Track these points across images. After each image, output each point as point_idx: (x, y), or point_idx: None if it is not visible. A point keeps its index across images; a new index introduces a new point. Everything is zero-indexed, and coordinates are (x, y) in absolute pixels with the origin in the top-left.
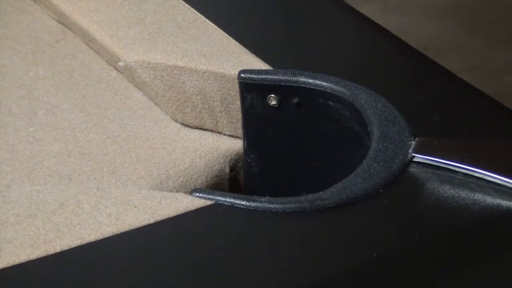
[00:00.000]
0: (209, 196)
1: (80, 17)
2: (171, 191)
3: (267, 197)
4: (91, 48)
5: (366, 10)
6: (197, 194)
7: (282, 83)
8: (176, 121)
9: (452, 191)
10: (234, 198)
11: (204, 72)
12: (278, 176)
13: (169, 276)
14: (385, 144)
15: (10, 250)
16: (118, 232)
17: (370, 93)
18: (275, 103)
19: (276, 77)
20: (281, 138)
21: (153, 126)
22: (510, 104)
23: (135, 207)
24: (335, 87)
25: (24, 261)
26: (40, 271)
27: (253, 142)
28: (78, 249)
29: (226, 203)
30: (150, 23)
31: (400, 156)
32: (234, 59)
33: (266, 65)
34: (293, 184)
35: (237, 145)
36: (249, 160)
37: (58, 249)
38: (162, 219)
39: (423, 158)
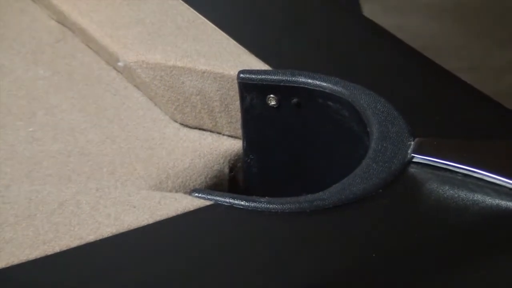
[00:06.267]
0: (209, 196)
1: (79, 17)
2: (170, 191)
3: (266, 197)
4: (91, 48)
5: (366, 10)
6: (197, 194)
7: (282, 83)
8: (176, 121)
9: (451, 191)
10: (233, 198)
11: (204, 72)
12: (278, 176)
13: (168, 277)
14: (384, 145)
15: (9, 250)
16: (117, 232)
17: (370, 93)
18: (275, 103)
19: (275, 77)
20: (280, 138)
21: (152, 126)
22: (510, 104)
23: (134, 207)
24: (335, 87)
25: (23, 261)
26: (39, 271)
27: (253, 142)
28: (77, 249)
29: (225, 203)
30: (149, 23)
31: (400, 157)
32: (234, 59)
33: (266, 65)
34: (292, 185)
35: (237, 145)
36: (249, 161)
37: (57, 249)
38: (161, 219)
39: (422, 158)
